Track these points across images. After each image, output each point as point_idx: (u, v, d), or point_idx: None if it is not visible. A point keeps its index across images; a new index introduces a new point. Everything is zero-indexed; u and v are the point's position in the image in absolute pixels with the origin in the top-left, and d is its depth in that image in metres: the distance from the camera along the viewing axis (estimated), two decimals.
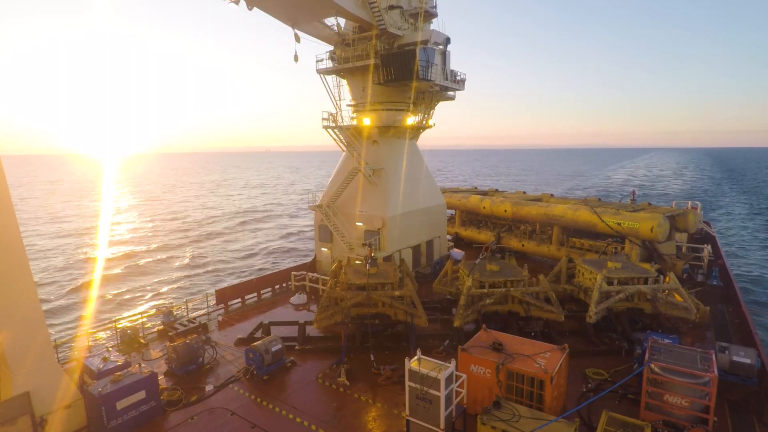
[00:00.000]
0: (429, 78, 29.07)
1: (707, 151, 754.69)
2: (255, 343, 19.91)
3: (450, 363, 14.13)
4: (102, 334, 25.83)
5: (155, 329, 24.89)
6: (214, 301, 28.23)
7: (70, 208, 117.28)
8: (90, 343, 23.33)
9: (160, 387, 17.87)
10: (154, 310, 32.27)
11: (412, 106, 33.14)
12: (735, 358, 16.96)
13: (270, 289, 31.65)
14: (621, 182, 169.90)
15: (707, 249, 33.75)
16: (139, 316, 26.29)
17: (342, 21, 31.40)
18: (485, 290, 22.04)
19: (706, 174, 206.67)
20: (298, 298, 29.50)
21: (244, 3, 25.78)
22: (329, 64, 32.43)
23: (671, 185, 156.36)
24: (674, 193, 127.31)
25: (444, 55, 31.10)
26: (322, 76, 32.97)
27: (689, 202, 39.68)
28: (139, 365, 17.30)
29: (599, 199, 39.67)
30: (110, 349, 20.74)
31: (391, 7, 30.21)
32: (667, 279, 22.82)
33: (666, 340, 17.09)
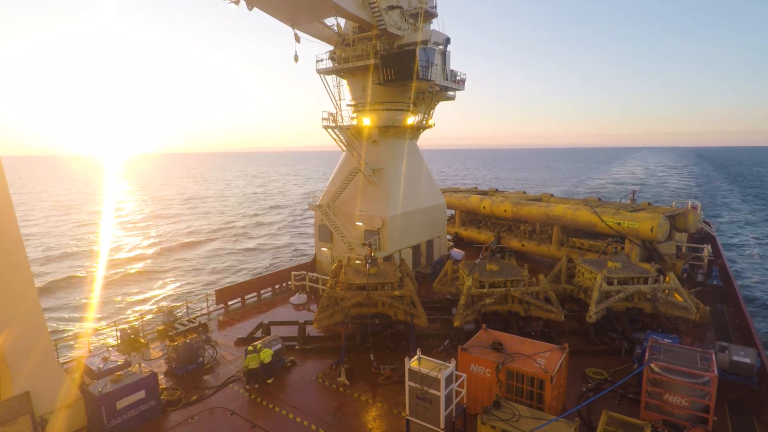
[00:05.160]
0: (429, 78, 29.06)
1: (696, 150, 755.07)
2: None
3: (450, 363, 14.14)
4: (102, 334, 25.85)
5: (155, 329, 24.91)
6: (214, 301, 28.24)
7: (70, 207, 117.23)
8: (90, 343, 23.35)
9: (160, 387, 17.88)
10: (154, 310, 32.28)
11: (412, 106, 33.13)
12: (735, 358, 16.97)
13: (270, 289, 31.65)
14: (620, 182, 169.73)
15: (707, 249, 33.76)
16: (139, 316, 26.29)
17: (342, 21, 31.39)
18: (485, 290, 22.03)
19: (702, 173, 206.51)
20: (298, 298, 29.51)
21: (245, 3, 25.78)
22: (329, 64, 32.41)
23: (668, 184, 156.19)
24: (673, 193, 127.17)
25: (444, 55, 31.09)
26: (322, 76, 32.95)
27: (689, 201, 39.57)
28: (139, 365, 17.32)
29: (599, 199, 39.65)
30: (110, 348, 20.72)
31: (391, 7, 30.19)
32: (667, 279, 22.82)
33: (666, 340, 17.08)
